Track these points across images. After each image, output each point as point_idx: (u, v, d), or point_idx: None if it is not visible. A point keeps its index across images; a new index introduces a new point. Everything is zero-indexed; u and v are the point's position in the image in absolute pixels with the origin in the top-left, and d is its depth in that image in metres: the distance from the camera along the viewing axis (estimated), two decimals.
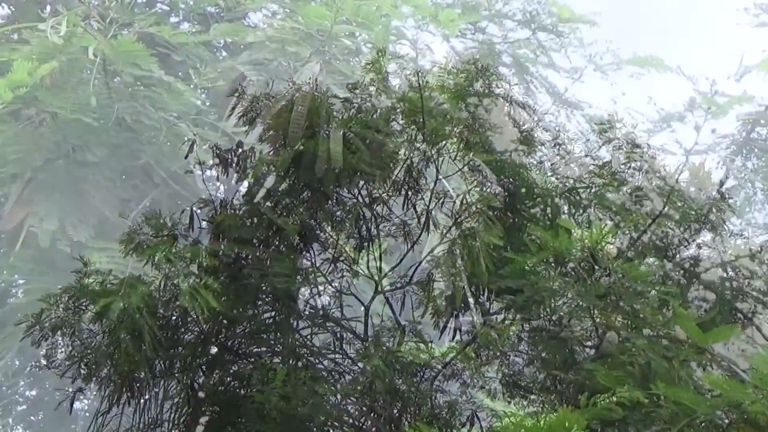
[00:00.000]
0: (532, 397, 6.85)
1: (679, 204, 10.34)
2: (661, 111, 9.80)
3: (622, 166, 10.47)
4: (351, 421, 7.50)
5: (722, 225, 10.44)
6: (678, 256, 10.97)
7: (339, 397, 7.47)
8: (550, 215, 9.95)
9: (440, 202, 7.57)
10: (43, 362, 9.09)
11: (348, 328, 7.34)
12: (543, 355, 7.40)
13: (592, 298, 7.13)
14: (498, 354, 7.13)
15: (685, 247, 10.99)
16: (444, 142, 7.53)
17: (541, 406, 6.59)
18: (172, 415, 8.44)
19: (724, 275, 10.82)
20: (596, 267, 7.20)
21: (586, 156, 10.76)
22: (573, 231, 7.46)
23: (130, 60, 5.71)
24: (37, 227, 5.58)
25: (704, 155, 9.75)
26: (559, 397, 7.03)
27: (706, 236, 10.91)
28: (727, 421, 6.43)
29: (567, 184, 10.18)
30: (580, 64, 10.16)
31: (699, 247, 11.00)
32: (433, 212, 7.45)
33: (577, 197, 9.87)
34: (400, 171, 7.61)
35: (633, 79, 9.88)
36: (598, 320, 7.41)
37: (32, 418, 9.19)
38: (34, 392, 9.26)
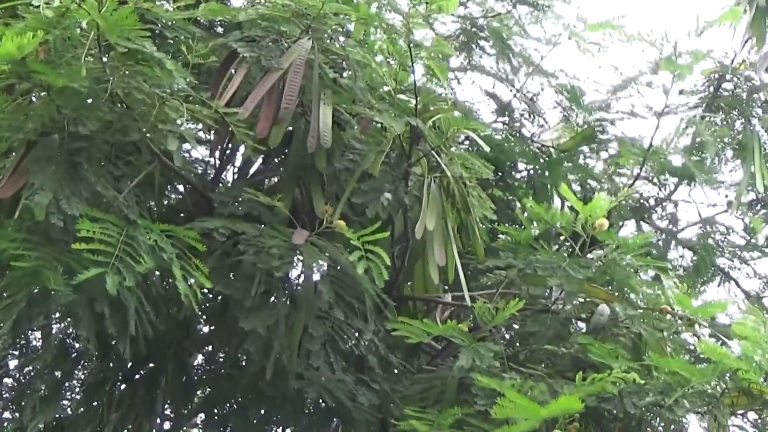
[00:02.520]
0: (526, 370, 6.84)
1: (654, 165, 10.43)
2: (626, 78, 9.99)
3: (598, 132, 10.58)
4: (344, 393, 7.55)
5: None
6: (655, 215, 11.08)
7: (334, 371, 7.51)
8: (534, 187, 10.04)
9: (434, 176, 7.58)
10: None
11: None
12: (535, 329, 7.44)
13: (584, 271, 7.17)
14: (492, 329, 7.14)
15: (662, 207, 11.08)
16: (437, 116, 7.54)
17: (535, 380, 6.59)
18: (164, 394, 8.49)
19: (702, 232, 10.93)
20: (587, 239, 7.23)
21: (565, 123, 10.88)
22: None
23: (123, 34, 5.74)
24: (31, 199, 5.62)
25: (675, 116, 9.89)
26: (553, 369, 7.06)
27: (682, 194, 11.03)
28: (720, 390, 6.50)
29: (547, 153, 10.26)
30: (555, 33, 10.35)
31: (675, 205, 11.11)
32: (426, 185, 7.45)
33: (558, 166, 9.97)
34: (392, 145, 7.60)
35: (600, 50, 10.02)
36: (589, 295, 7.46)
37: (22, 399, 9.19)
38: (27, 369, 9.30)
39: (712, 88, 9.97)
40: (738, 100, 9.97)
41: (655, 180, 10.82)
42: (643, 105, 9.98)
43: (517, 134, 10.67)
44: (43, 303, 6.68)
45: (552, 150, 10.32)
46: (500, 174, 9.75)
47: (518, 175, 10.28)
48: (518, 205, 9.63)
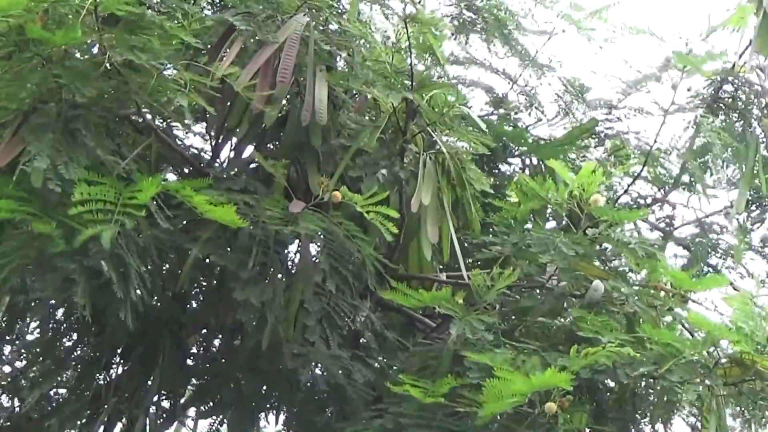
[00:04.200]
0: (519, 344, 6.87)
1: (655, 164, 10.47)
2: (637, 73, 10.00)
3: (601, 126, 10.60)
4: (339, 369, 7.58)
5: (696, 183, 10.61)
6: (653, 213, 11.13)
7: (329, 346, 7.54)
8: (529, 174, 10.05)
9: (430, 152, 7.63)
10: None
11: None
12: (529, 304, 7.47)
13: (577, 247, 7.21)
14: (487, 305, 7.17)
15: (660, 207, 11.14)
16: (432, 92, 7.58)
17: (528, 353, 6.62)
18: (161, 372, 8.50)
19: (697, 232, 10.98)
20: (583, 216, 7.27)
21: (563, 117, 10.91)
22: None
23: (119, 3, 5.81)
24: (29, 165, 5.64)
25: (682, 114, 9.90)
26: (548, 343, 7.08)
27: (679, 195, 11.08)
28: (712, 361, 6.55)
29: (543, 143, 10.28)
30: (551, 25, 10.39)
31: (673, 207, 11.17)
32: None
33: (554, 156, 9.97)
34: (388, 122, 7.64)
35: (607, 42, 10.06)
36: (584, 271, 7.49)
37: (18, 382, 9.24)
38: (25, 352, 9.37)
39: (713, 90, 10.01)
40: (738, 102, 10.01)
41: (655, 181, 10.89)
42: (650, 101, 10.00)
43: (513, 126, 10.68)
44: (40, 272, 6.70)
45: (548, 141, 10.33)
46: (493, 161, 9.77)
47: (512, 162, 10.31)
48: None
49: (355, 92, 8.01)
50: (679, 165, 10.75)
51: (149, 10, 6.25)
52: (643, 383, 6.82)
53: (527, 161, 10.20)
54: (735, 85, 10.04)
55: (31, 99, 6.23)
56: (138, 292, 6.58)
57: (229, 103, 7.51)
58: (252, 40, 7.32)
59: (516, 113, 10.97)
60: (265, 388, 8.44)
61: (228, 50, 7.36)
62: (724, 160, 10.50)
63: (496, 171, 9.99)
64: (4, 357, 9.87)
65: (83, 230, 5.90)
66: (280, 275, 7.46)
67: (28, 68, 6.29)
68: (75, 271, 6.34)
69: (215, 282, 8.31)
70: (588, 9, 10.31)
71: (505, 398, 6.02)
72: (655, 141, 9.80)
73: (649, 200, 11.08)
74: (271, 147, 8.39)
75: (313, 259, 7.38)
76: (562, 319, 7.31)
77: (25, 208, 6.14)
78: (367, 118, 8.02)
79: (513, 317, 7.62)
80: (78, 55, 6.29)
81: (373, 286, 7.44)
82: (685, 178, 10.93)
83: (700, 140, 10.21)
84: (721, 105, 10.02)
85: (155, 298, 7.67)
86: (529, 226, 8.04)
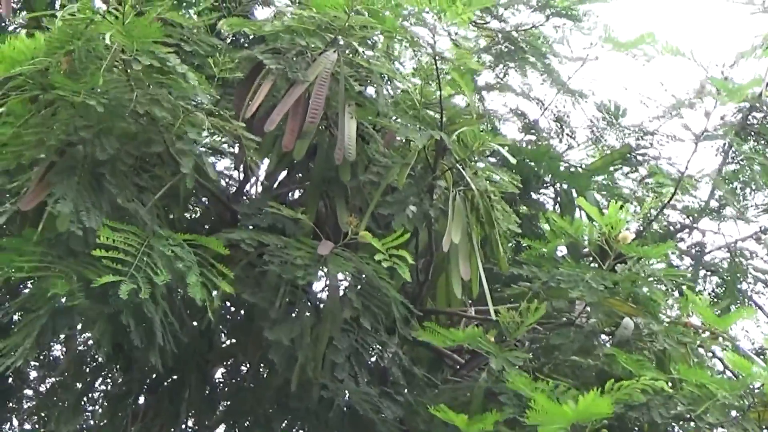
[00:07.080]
0: (553, 381, 6.80)
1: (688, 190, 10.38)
2: (672, 98, 9.94)
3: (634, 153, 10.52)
4: (369, 404, 7.54)
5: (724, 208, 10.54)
6: (683, 241, 11.04)
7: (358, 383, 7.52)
8: (561, 203, 9.99)
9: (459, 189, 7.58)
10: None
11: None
12: (559, 342, 7.42)
13: (607, 284, 7.16)
14: (517, 342, 7.12)
15: (689, 233, 11.05)
16: (462, 129, 7.52)
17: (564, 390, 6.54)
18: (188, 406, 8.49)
19: (728, 258, 10.89)
20: (611, 253, 7.21)
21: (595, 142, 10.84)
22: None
23: (146, 45, 5.77)
24: (53, 208, 5.67)
25: (713, 141, 9.83)
26: (579, 382, 7.02)
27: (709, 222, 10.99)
28: (747, 403, 6.47)
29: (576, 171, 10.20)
30: (584, 52, 10.34)
31: (703, 234, 11.08)
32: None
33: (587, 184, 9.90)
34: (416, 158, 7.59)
35: (641, 66, 10.01)
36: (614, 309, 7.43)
37: (43, 410, 9.27)
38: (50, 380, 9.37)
39: (741, 117, 9.94)
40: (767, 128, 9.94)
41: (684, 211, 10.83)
42: (682, 125, 9.90)
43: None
44: (67, 314, 6.67)
45: (580, 169, 10.25)
46: (526, 189, 9.70)
47: (545, 192, 10.25)
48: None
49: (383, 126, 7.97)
50: (709, 192, 10.68)
51: (173, 56, 6.18)
52: (677, 425, 6.74)
53: (559, 187, 10.13)
54: (764, 111, 9.96)
55: (57, 141, 6.20)
56: (162, 337, 6.56)
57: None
58: (282, 77, 7.29)
59: (548, 140, 10.91)
60: (294, 423, 8.40)
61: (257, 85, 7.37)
62: (754, 186, 10.42)
63: (528, 198, 9.93)
64: (31, 382, 9.91)
65: (103, 275, 5.92)
66: (307, 312, 7.45)
67: (54, 110, 6.28)
68: (97, 316, 6.35)
69: (242, 316, 8.31)
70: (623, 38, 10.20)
71: (552, 424, 5.98)
72: (686, 168, 9.65)
73: (678, 227, 10.99)
74: (300, 177, 8.39)
75: (344, 293, 7.37)
76: (594, 358, 7.23)
77: (44, 268, 6.14)
78: (397, 151, 7.95)
79: (542, 355, 7.56)
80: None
81: (401, 328, 7.38)
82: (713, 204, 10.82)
83: (729, 166, 10.15)
84: (751, 131, 9.94)
85: (182, 332, 7.62)
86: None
